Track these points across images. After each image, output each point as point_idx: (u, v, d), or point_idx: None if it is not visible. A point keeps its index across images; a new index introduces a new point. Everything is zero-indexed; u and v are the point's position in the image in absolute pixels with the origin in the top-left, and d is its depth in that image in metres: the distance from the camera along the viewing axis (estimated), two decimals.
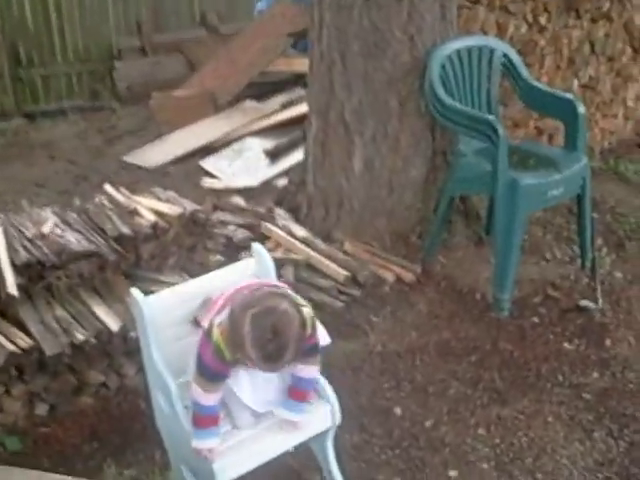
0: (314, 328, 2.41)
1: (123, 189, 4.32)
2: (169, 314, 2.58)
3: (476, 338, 3.79)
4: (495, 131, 3.75)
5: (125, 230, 3.76)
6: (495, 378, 3.51)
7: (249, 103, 7.03)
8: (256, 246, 2.74)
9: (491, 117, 3.86)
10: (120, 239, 3.73)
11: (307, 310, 2.34)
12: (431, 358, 3.64)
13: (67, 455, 3.12)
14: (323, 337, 2.61)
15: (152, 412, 3.06)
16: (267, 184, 5.54)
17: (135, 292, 2.51)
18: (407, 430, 3.18)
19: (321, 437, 2.71)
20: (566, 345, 3.77)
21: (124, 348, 3.39)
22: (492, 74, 4.35)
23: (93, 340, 3.27)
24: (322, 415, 2.64)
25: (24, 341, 3.19)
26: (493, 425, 3.21)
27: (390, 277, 4.20)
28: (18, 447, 3.13)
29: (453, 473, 2.96)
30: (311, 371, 2.56)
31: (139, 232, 3.78)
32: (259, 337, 2.18)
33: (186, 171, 5.98)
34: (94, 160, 6.39)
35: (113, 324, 3.36)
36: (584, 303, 4.07)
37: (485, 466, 3.00)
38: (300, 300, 2.37)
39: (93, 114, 7.65)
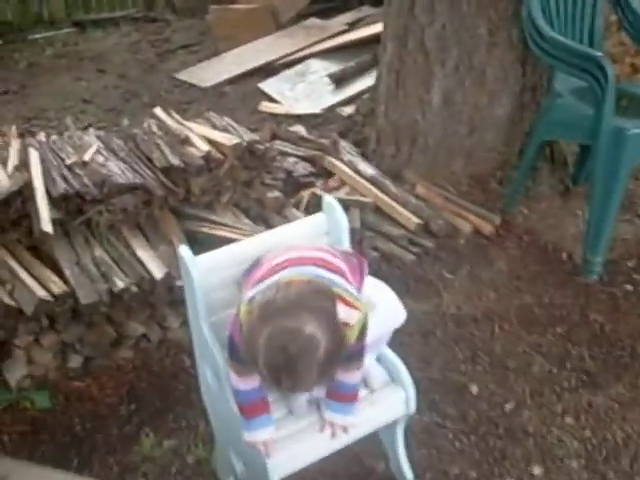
0: (363, 334, 1.97)
1: (175, 113, 3.90)
2: (221, 277, 2.18)
3: (562, 305, 3.35)
4: (603, 71, 3.22)
5: (175, 161, 3.36)
6: (584, 356, 3.07)
7: (313, 21, 6.54)
8: (329, 201, 2.30)
9: (599, 54, 3.32)
10: (169, 171, 3.34)
11: (358, 316, 1.91)
12: (512, 326, 3.22)
13: (101, 416, 2.80)
14: (396, 315, 2.20)
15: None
16: (331, 112, 5.07)
17: (184, 250, 2.11)
18: (485, 413, 2.78)
19: (391, 425, 2.32)
20: None
21: (168, 298, 3.03)
22: (598, 2, 3.78)
23: (134, 288, 2.91)
24: (394, 402, 2.25)
25: (57, 286, 2.84)
26: (583, 414, 2.80)
27: (467, 228, 3.75)
28: (48, 404, 2.81)
29: (537, 470, 2.57)
30: (352, 377, 2.13)
31: (190, 164, 3.39)
32: (271, 360, 1.80)
33: (243, 93, 5.54)
34: (145, 76, 5.98)
35: (157, 271, 2.99)
36: None
37: (574, 465, 2.60)
38: (353, 298, 1.93)
39: (146, 25, 7.21)
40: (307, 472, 2.22)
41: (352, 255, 2.20)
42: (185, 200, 3.45)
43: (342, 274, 1.98)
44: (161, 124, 3.73)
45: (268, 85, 5.61)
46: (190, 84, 5.73)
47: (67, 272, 2.93)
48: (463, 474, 2.54)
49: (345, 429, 2.13)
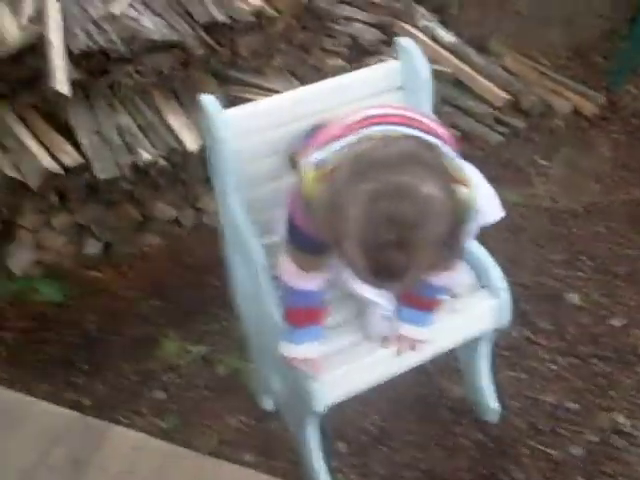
0: (470, 217, 1.30)
1: None
2: (258, 139, 1.64)
3: None
4: None
5: (220, 16, 2.78)
6: None
7: None
8: (403, 42, 1.72)
9: None
10: (213, 28, 2.76)
11: (467, 193, 1.24)
12: (619, 225, 2.64)
13: (119, 312, 2.35)
14: (493, 211, 1.62)
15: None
16: None
17: (208, 100, 1.57)
18: (587, 330, 2.24)
19: (475, 340, 1.81)
20: None
21: (204, 175, 2.50)
22: None
23: (163, 162, 2.40)
24: (483, 312, 1.72)
25: (70, 157, 2.34)
26: None
27: (565, 107, 3.13)
28: (58, 296, 2.36)
29: None
30: (444, 277, 1.56)
31: (238, 20, 2.80)
32: (371, 233, 1.13)
33: None
34: None
35: (191, 141, 2.47)
36: None
37: None
38: (460, 171, 1.26)
39: None
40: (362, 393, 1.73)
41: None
42: (231, 63, 2.90)
43: (443, 140, 1.39)
44: None
45: None
46: None
47: (84, 141, 2.43)
48: (559, 405, 2.03)
49: (415, 346, 1.62)
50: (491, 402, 1.92)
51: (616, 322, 2.27)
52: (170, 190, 2.50)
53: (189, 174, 2.49)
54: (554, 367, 2.13)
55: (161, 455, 1.15)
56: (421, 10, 3.72)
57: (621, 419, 1.99)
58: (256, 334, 1.83)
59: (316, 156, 1.32)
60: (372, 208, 1.11)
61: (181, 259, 2.51)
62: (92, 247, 2.48)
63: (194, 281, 2.44)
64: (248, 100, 2.76)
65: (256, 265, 1.62)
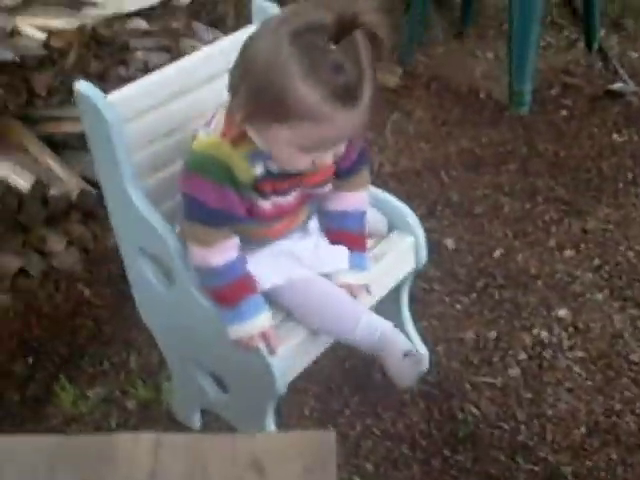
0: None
1: None
2: (145, 122, 1.50)
3: (504, 142, 2.89)
4: None
5: (7, 55, 2.57)
6: (552, 186, 2.63)
7: None
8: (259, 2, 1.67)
9: None
10: (2, 69, 2.55)
11: None
12: (459, 172, 2.72)
13: None
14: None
15: (116, 299, 2.08)
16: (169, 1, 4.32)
17: (83, 84, 1.42)
18: (474, 266, 2.28)
19: (395, 289, 1.76)
20: (616, 137, 2.91)
21: (43, 214, 2.29)
22: None
23: None
24: (404, 252, 1.68)
25: None
26: (582, 243, 2.35)
27: None
28: None
29: (563, 312, 2.10)
30: (361, 199, 1.59)
31: (27, 56, 2.61)
32: (316, 61, 1.19)
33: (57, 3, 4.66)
34: None
35: (22, 182, 2.25)
36: (616, 87, 3.20)
37: (599, 296, 2.15)
38: None
39: None
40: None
41: None
42: (29, 103, 2.69)
43: None
44: None
45: None
46: None
47: None
48: (481, 336, 2.03)
49: (363, 289, 1.55)
50: (420, 348, 1.89)
51: (497, 253, 2.32)
52: (11, 238, 2.26)
53: (28, 216, 2.26)
54: (459, 306, 2.14)
55: (186, 450, 0.99)
56: (200, 26, 3.69)
57: (541, 333, 2.03)
58: (177, 338, 1.67)
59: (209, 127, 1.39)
60: (301, 40, 1.20)
61: (40, 311, 2.26)
62: None
63: (62, 329, 2.21)
64: (65, 134, 2.59)
65: (171, 256, 1.47)
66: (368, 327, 1.55)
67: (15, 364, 2.10)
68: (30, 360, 2.12)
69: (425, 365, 1.80)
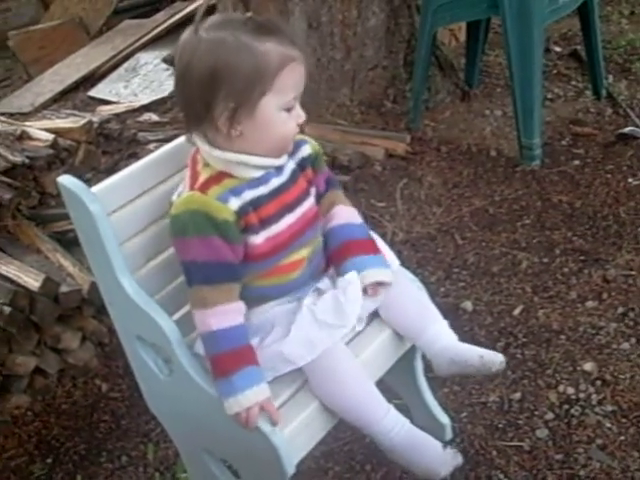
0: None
1: (1, 117, 3.16)
2: (132, 210, 1.50)
3: (518, 198, 2.85)
4: None
5: (17, 158, 2.62)
6: (570, 236, 2.58)
7: (128, 22, 5.85)
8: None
9: None
10: (13, 172, 2.60)
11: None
12: (475, 233, 2.68)
13: None
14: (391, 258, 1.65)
15: (132, 391, 2.05)
16: None
17: (66, 179, 1.42)
18: (493, 327, 2.22)
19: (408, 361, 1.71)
20: (632, 180, 2.87)
21: (56, 312, 2.28)
22: None
23: (7, 309, 2.16)
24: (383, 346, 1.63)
25: None
26: (604, 292, 2.28)
27: (378, 152, 3.20)
28: None
29: (588, 366, 2.01)
30: (353, 211, 1.64)
31: (36, 157, 2.67)
32: (248, 26, 1.37)
33: (73, 107, 4.79)
34: None
35: (32, 280, 2.25)
36: (628, 130, 3.17)
37: (625, 346, 2.07)
38: None
39: None
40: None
41: None
42: (41, 203, 2.73)
43: None
44: None
45: (99, 91, 4.90)
46: (9, 114, 4.92)
47: None
48: (505, 399, 1.96)
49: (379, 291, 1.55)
50: (442, 417, 1.82)
51: (516, 312, 2.26)
52: (25, 339, 2.25)
53: (40, 315, 2.25)
54: None
55: None
56: None
57: (567, 389, 1.95)
58: (184, 425, 1.62)
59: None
60: (224, 25, 1.38)
61: (59, 409, 2.24)
62: None
63: (81, 425, 2.18)
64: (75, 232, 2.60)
65: (170, 340, 1.44)
66: (396, 418, 1.50)
67: (34, 465, 2.08)
68: (49, 460, 2.08)
69: (461, 459, 1.67)
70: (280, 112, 1.39)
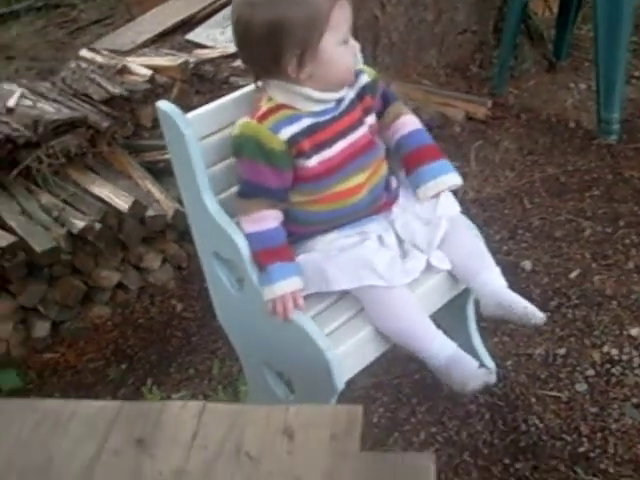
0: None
1: (104, 51, 3.35)
2: (220, 138, 1.65)
3: (590, 170, 2.90)
4: None
5: (116, 90, 2.81)
6: (635, 210, 2.63)
7: None
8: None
9: None
10: (111, 103, 2.78)
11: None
12: (543, 199, 2.75)
13: (87, 384, 2.25)
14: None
15: (205, 312, 2.22)
16: None
17: (164, 104, 1.58)
18: (548, 286, 2.31)
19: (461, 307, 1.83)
20: None
21: (141, 233, 2.48)
22: None
23: (98, 225, 2.35)
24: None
25: (2, 238, 2.27)
26: None
27: (459, 114, 3.28)
28: (18, 383, 2.24)
29: (635, 331, 2.10)
30: (415, 119, 1.78)
31: (134, 91, 2.84)
32: None
33: (171, 48, 4.96)
34: (58, 53, 5.35)
35: (122, 202, 2.44)
36: None
37: None
38: None
39: (50, 12, 6.56)
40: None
41: None
42: (135, 134, 2.91)
43: None
44: (91, 62, 3.18)
45: (196, 35, 5.03)
46: (110, 50, 5.12)
47: (12, 223, 2.37)
48: (550, 353, 2.06)
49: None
50: (487, 361, 1.94)
51: (573, 275, 2.34)
52: (111, 255, 2.45)
53: (127, 235, 2.45)
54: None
55: (227, 416, 1.10)
56: None
57: (611, 350, 2.04)
58: (247, 337, 1.79)
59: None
60: None
61: (136, 323, 2.44)
62: (40, 329, 2.37)
63: (155, 338, 2.38)
64: (165, 162, 2.78)
65: (243, 257, 1.60)
66: (444, 341, 1.64)
67: (110, 369, 2.28)
68: (124, 366, 2.28)
69: (493, 379, 1.83)
70: (339, 47, 1.54)
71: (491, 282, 1.69)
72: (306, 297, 1.61)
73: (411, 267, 1.65)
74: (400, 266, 1.64)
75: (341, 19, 1.53)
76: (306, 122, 1.57)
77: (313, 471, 0.98)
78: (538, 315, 1.65)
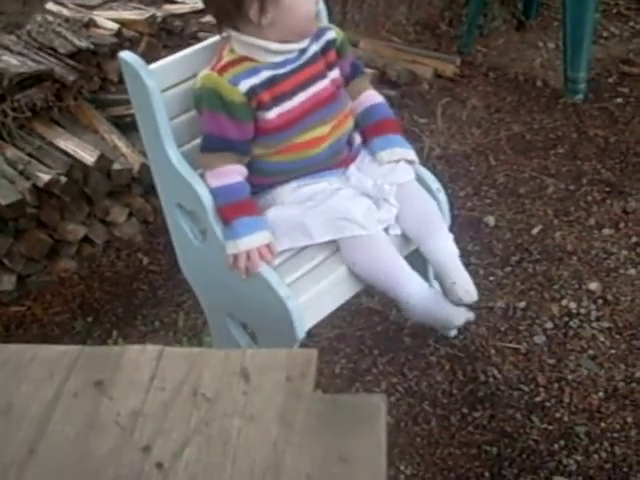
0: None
1: (71, 4, 3.30)
2: (183, 90, 1.65)
3: (555, 128, 2.93)
4: None
5: (82, 43, 2.78)
6: (599, 169, 2.67)
7: None
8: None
9: None
10: (78, 56, 2.75)
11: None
12: (508, 156, 2.78)
13: (53, 337, 2.25)
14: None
15: (170, 266, 2.23)
16: None
17: (127, 54, 1.57)
18: (511, 242, 2.35)
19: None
20: None
21: (107, 187, 2.47)
22: None
23: (63, 179, 2.34)
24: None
25: None
26: (622, 222, 2.40)
27: (427, 72, 3.28)
28: None
29: (594, 285, 2.15)
30: (378, 94, 1.84)
31: (101, 45, 2.81)
32: None
33: (139, 1, 4.89)
34: (25, 7, 5.25)
35: (87, 156, 2.43)
36: None
37: (632, 272, 2.20)
38: None
39: None
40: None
41: None
42: (102, 88, 2.88)
43: None
44: (57, 15, 3.14)
45: None
46: (76, 4, 5.04)
47: None
48: (510, 306, 2.11)
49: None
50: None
51: (535, 230, 2.38)
52: (77, 209, 2.44)
53: (92, 188, 2.44)
54: (493, 278, 2.21)
55: (184, 360, 1.12)
56: None
57: (569, 304, 2.08)
58: (211, 289, 1.81)
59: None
60: None
61: (102, 276, 2.45)
62: (6, 283, 2.36)
63: (121, 292, 2.39)
64: (131, 116, 2.77)
65: (205, 208, 1.61)
66: (419, 282, 1.70)
67: (76, 322, 2.29)
68: (90, 319, 2.29)
69: (473, 315, 1.81)
70: None
71: (438, 250, 1.72)
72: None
73: (384, 217, 1.68)
74: (376, 214, 1.67)
75: None
76: (265, 74, 1.59)
77: (267, 411, 1.00)
78: (473, 296, 1.73)
